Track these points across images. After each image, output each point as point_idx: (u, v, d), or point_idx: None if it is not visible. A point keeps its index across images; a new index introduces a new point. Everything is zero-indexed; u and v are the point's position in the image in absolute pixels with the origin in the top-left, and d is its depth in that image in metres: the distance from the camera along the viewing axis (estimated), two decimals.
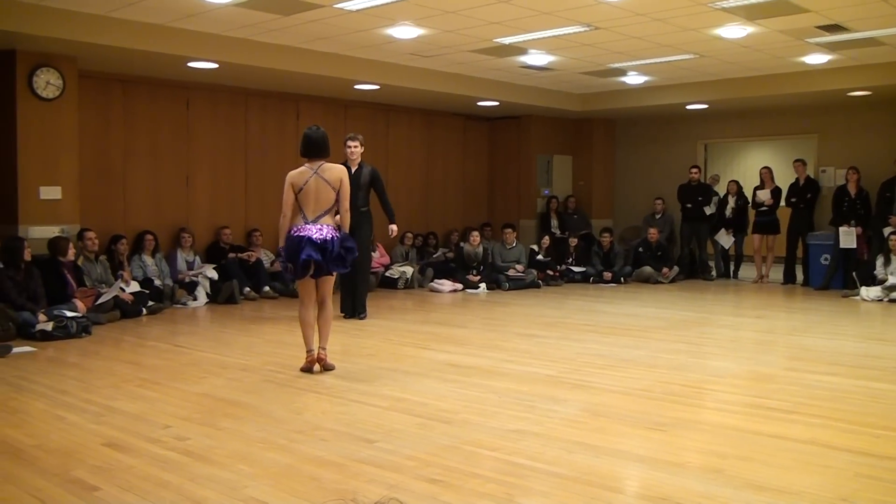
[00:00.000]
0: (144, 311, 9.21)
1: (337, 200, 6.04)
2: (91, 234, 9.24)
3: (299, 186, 5.97)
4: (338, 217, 6.15)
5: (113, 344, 7.58)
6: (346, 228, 6.16)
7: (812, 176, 13.03)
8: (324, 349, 6.22)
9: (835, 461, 4.09)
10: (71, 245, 8.77)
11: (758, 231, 13.12)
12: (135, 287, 9.42)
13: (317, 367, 6.17)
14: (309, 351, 6.18)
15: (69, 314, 7.91)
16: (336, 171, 6.07)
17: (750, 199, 13.35)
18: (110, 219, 10.32)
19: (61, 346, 7.40)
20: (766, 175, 13.12)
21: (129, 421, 4.79)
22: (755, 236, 13.20)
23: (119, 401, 5.29)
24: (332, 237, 5.92)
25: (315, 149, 6.10)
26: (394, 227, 9.06)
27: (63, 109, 9.18)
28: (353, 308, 9.00)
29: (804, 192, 12.65)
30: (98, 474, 3.84)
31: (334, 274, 6.13)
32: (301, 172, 6.03)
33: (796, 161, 12.91)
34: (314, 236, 5.87)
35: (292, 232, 5.93)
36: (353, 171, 8.57)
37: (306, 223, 5.93)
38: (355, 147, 8.64)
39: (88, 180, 9.93)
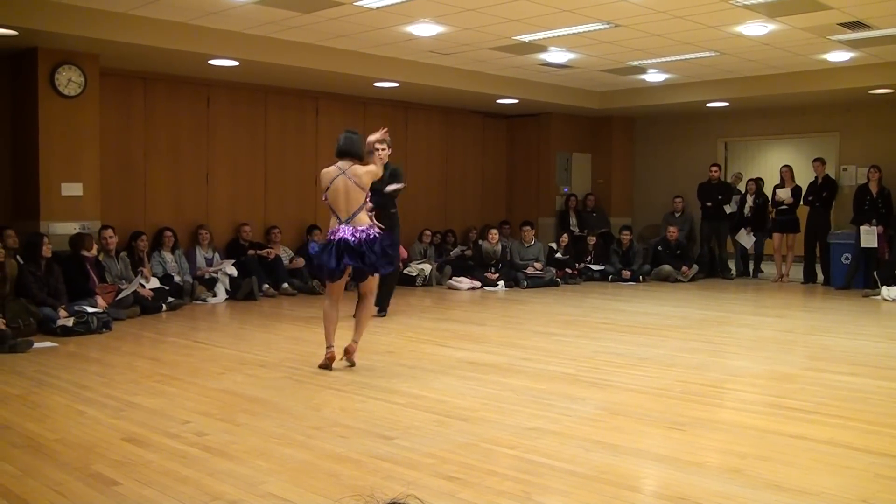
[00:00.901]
0: (164, 307, 9.27)
1: (366, 201, 6.07)
2: (108, 233, 9.27)
3: (325, 185, 6.06)
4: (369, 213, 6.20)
5: (133, 340, 7.63)
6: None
7: (832, 175, 12.93)
8: (355, 342, 6.23)
9: (855, 462, 4.06)
10: (93, 241, 8.83)
11: (778, 230, 13.04)
12: (154, 283, 9.48)
13: (339, 361, 6.16)
14: (329, 347, 6.19)
15: (90, 310, 7.96)
16: (364, 171, 6.11)
17: (770, 198, 13.26)
18: (131, 215, 10.38)
19: (82, 341, 7.45)
20: (787, 174, 13.03)
21: (148, 416, 4.82)
22: (775, 235, 13.11)
23: (139, 396, 5.32)
24: (371, 237, 5.94)
25: (348, 152, 6.16)
26: (398, 186, 8.51)
27: (84, 107, 9.25)
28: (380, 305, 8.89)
29: (821, 190, 12.56)
30: (118, 469, 3.86)
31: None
32: (328, 171, 6.12)
33: (815, 160, 12.81)
34: (351, 240, 5.90)
35: (328, 235, 6.03)
36: (380, 175, 8.46)
37: (340, 224, 5.99)
38: (383, 150, 8.53)
39: (109, 177, 10.00)
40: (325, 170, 6.18)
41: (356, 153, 6.18)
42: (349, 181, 6.02)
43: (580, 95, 13.91)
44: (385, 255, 6.01)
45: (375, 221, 6.20)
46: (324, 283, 6.83)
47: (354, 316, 6.40)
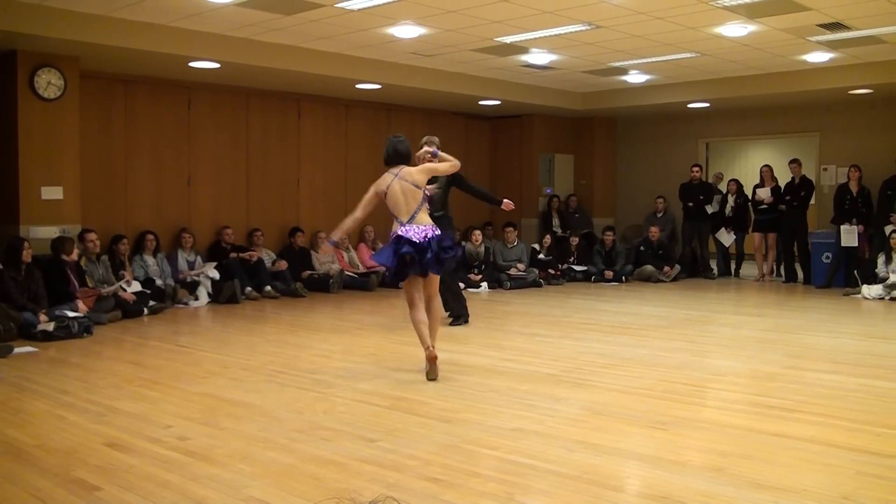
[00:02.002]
0: (146, 310, 9.21)
1: (424, 198, 6.09)
2: (92, 236, 9.23)
3: (383, 191, 6.07)
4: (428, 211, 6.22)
5: (114, 344, 7.58)
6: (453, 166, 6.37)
7: (812, 175, 13.00)
8: (433, 348, 6.01)
9: (836, 459, 4.09)
10: (74, 245, 8.77)
11: (758, 229, 13.12)
12: (136, 287, 9.42)
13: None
14: (427, 348, 5.95)
15: (71, 314, 7.92)
16: (420, 172, 6.16)
17: (751, 198, 13.33)
18: (112, 219, 10.31)
19: (63, 346, 7.40)
20: (767, 173, 13.11)
21: (130, 421, 4.79)
22: (755, 235, 13.20)
23: (120, 401, 5.29)
24: (431, 236, 5.97)
25: (397, 157, 6.21)
26: (508, 201, 8.35)
27: (64, 110, 9.18)
28: (457, 308, 8.62)
29: (798, 190, 12.64)
30: (99, 474, 3.84)
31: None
32: (383, 178, 6.12)
33: (791, 161, 12.88)
34: (414, 238, 5.91)
35: (392, 237, 6.02)
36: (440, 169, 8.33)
37: (402, 225, 5.99)
38: (430, 152, 8.35)
39: (90, 180, 9.94)
40: (377, 182, 6.13)
41: (404, 157, 6.22)
42: (404, 183, 6.05)
43: (562, 97, 13.95)
44: (438, 258, 5.98)
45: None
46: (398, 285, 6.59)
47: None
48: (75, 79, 9.28)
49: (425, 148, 8.09)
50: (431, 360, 5.90)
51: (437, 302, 6.31)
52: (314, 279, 11.45)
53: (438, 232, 6.06)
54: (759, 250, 13.21)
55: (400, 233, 5.95)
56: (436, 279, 6.22)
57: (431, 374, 5.89)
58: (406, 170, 6.14)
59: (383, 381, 5.85)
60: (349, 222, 6.17)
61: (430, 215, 6.24)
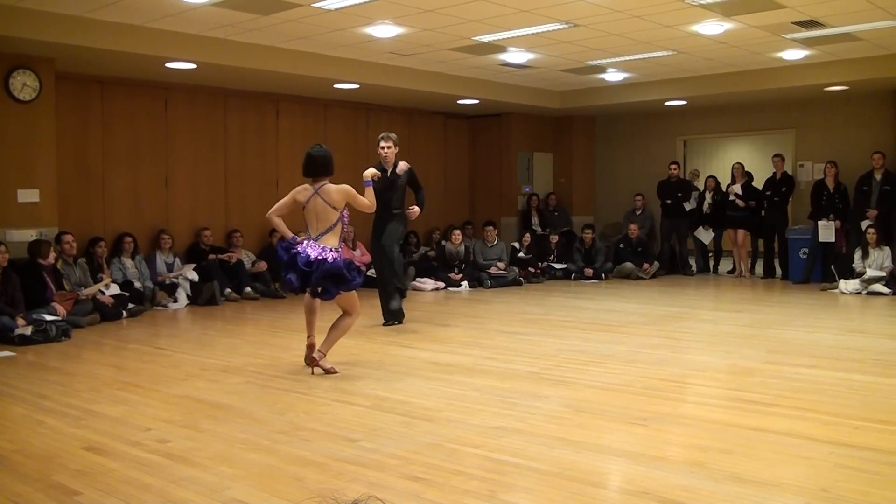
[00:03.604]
0: (125, 313, 9.16)
1: (339, 220, 6.04)
2: (69, 238, 9.16)
3: (302, 204, 6.07)
4: (346, 230, 6.23)
5: (93, 347, 7.54)
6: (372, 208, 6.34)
7: (789, 171, 13.11)
8: (321, 352, 6.10)
9: (815, 453, 4.12)
10: (51, 248, 8.70)
11: (729, 226, 13.21)
12: (115, 290, 9.36)
13: (313, 368, 6.12)
14: (308, 337, 6.17)
15: (48, 318, 7.85)
16: (338, 193, 6.05)
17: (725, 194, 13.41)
18: (89, 221, 10.23)
19: (41, 350, 7.34)
20: (738, 170, 13.19)
21: (109, 424, 4.77)
22: (728, 231, 13.29)
23: (100, 404, 5.26)
24: (323, 259, 5.89)
25: (313, 168, 6.11)
26: (416, 209, 8.27)
27: (40, 111, 9.10)
28: (394, 313, 8.54)
29: (779, 186, 12.74)
30: (79, 479, 3.81)
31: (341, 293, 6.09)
32: (304, 189, 6.10)
33: (775, 156, 12.98)
34: (305, 257, 5.87)
35: (296, 245, 6.02)
36: (388, 172, 8.26)
37: (309, 239, 6.01)
38: (388, 148, 8.24)
39: (66, 182, 9.85)
40: (300, 187, 6.14)
41: (321, 167, 6.10)
42: (320, 201, 6.01)
43: (540, 95, 13.98)
44: (323, 287, 5.92)
45: (344, 245, 6.20)
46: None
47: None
48: (51, 80, 9.21)
49: (382, 144, 8.19)
50: (310, 346, 6.14)
51: (347, 319, 6.22)
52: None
53: (335, 258, 5.92)
54: (734, 246, 13.29)
55: (299, 249, 5.95)
56: (341, 300, 6.11)
57: (307, 360, 6.14)
58: (327, 187, 6.05)
59: (364, 381, 5.85)
60: (271, 219, 6.18)
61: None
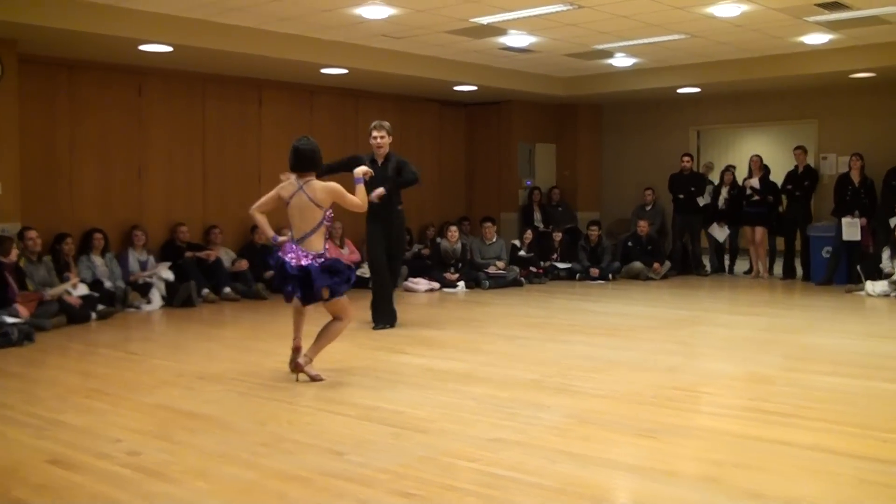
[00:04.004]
0: (94, 315, 9.13)
1: (323, 220, 6.01)
2: (33, 234, 9.13)
3: (286, 200, 6.05)
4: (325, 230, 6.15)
5: (59, 352, 7.51)
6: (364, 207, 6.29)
7: (812, 164, 13.12)
8: (307, 357, 6.08)
9: (838, 467, 4.12)
10: (14, 245, 8.67)
11: (747, 223, 13.22)
12: (83, 290, 9.34)
13: (297, 375, 6.10)
14: (294, 338, 6.13)
15: (10, 320, 7.82)
16: (324, 191, 6.00)
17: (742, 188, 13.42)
18: (55, 216, 10.21)
19: (2, 354, 7.28)
20: (756, 163, 13.21)
21: (76, 435, 4.75)
22: (745, 228, 13.30)
23: (65, 413, 5.24)
24: (310, 265, 5.87)
25: (300, 162, 6.06)
26: (381, 190, 8.04)
27: (2, 97, 9.08)
28: (387, 316, 8.52)
29: (801, 180, 12.74)
30: (42, 494, 3.79)
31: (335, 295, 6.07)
32: (289, 184, 6.08)
33: (797, 148, 12.99)
34: (292, 265, 5.85)
35: (280, 251, 6.02)
36: (379, 164, 8.21)
37: (292, 242, 5.99)
38: (381, 137, 8.20)
39: (31, 175, 9.82)
40: (286, 181, 6.13)
41: (309, 161, 6.06)
42: (305, 198, 5.96)
43: (543, 82, 13.97)
44: (329, 273, 5.91)
45: (329, 246, 6.19)
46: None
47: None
48: (13, 64, 9.18)
49: (375, 133, 8.12)
50: (295, 350, 6.08)
51: (339, 321, 6.18)
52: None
53: (323, 262, 5.92)
54: (752, 245, 13.30)
55: (284, 255, 5.94)
56: (332, 302, 6.08)
57: (292, 365, 6.07)
58: (313, 184, 6.02)
59: (353, 390, 5.84)
60: (254, 216, 6.20)
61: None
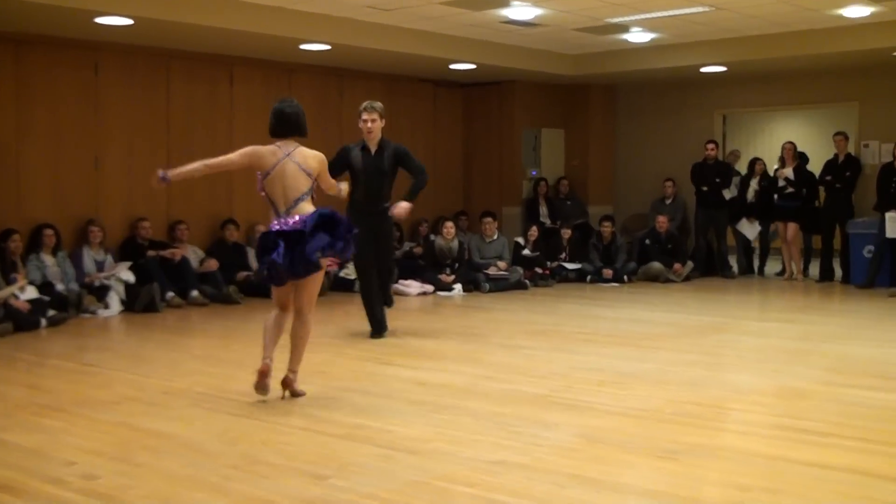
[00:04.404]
0: (43, 322, 9.12)
1: (311, 188, 5.93)
2: None
3: (265, 170, 5.85)
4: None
5: (4, 363, 7.49)
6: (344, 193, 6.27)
7: (853, 153, 13.13)
8: (293, 372, 6.03)
9: (879, 492, 4.13)
10: None
11: (779, 218, 13.23)
12: (31, 293, 9.33)
13: (280, 396, 6.01)
14: (264, 359, 5.88)
15: None
16: (315, 159, 5.96)
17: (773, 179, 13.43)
18: (0, 210, 10.21)
19: None
20: (789, 151, 13.21)
21: (23, 457, 4.74)
22: (778, 224, 13.31)
23: (11, 432, 5.23)
24: (309, 220, 5.72)
25: (285, 126, 5.99)
26: (404, 204, 8.11)
27: None
28: (380, 324, 8.41)
29: (842, 170, 12.75)
30: None
31: (315, 276, 5.91)
32: (272, 152, 5.89)
33: (837, 134, 12.99)
34: (286, 229, 5.72)
35: (266, 230, 5.89)
36: (372, 153, 8.14)
37: (279, 217, 5.83)
38: (373, 121, 8.04)
39: None
40: (265, 148, 5.93)
41: (294, 127, 6.00)
42: (293, 164, 5.85)
43: (550, 59, 13.97)
44: (328, 230, 5.76)
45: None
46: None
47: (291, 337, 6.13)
48: None
49: (365, 116, 7.99)
50: (262, 372, 5.80)
51: (308, 317, 6.02)
52: (251, 282, 11.39)
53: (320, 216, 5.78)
54: (785, 243, 13.31)
55: (275, 228, 5.77)
56: (308, 286, 5.95)
57: (259, 388, 5.81)
58: (302, 150, 5.95)
59: (336, 405, 5.84)
60: (198, 166, 5.93)
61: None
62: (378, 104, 8.14)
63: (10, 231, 9.74)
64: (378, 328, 8.45)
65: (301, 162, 5.90)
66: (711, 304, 11.07)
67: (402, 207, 8.06)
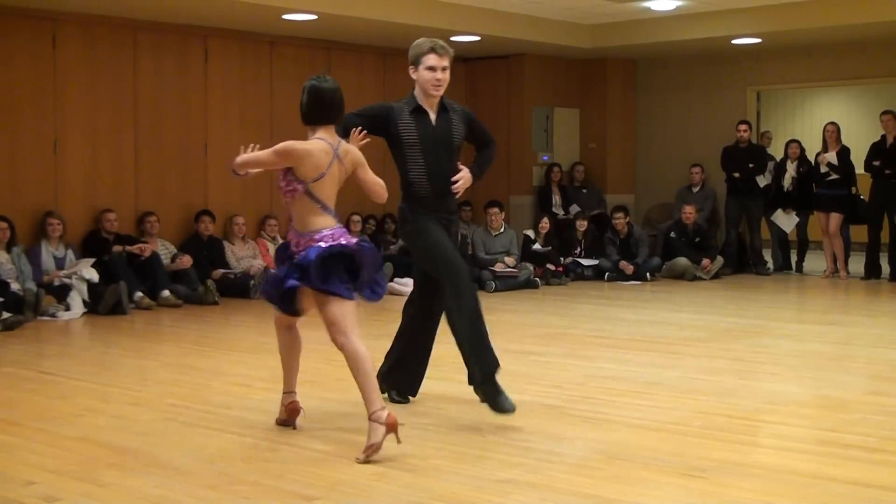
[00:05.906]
0: None
1: None
2: None
3: (320, 172, 5.22)
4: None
5: None
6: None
7: None
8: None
9: None
10: None
11: (820, 208, 13.21)
12: None
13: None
14: (286, 393, 5.65)
15: None
16: (354, 155, 5.48)
17: (814, 165, 13.42)
18: None
19: None
20: (832, 134, 13.17)
21: None
22: (818, 215, 13.29)
23: None
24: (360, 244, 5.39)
25: (330, 111, 5.37)
26: (466, 174, 6.32)
27: None
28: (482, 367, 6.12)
29: (891, 154, 12.73)
30: None
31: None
32: (325, 152, 5.24)
33: (884, 113, 12.96)
34: (350, 245, 5.28)
35: (328, 239, 5.26)
36: (433, 120, 6.25)
37: (339, 226, 5.39)
38: (444, 69, 6.14)
39: None
40: (316, 145, 5.27)
41: (337, 113, 5.46)
42: (342, 168, 5.38)
43: (563, 30, 13.97)
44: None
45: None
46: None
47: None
48: None
49: (432, 62, 6.10)
50: (292, 413, 5.62)
51: (341, 344, 5.56)
52: (229, 280, 11.40)
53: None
54: (826, 235, 13.29)
55: (342, 241, 5.28)
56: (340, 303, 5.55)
57: (283, 421, 5.63)
58: (345, 147, 5.42)
59: (325, 418, 5.85)
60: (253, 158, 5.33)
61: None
62: (451, 49, 6.25)
63: None
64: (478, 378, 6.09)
65: (349, 163, 5.44)
66: (744, 304, 11.06)
67: (467, 181, 6.29)
